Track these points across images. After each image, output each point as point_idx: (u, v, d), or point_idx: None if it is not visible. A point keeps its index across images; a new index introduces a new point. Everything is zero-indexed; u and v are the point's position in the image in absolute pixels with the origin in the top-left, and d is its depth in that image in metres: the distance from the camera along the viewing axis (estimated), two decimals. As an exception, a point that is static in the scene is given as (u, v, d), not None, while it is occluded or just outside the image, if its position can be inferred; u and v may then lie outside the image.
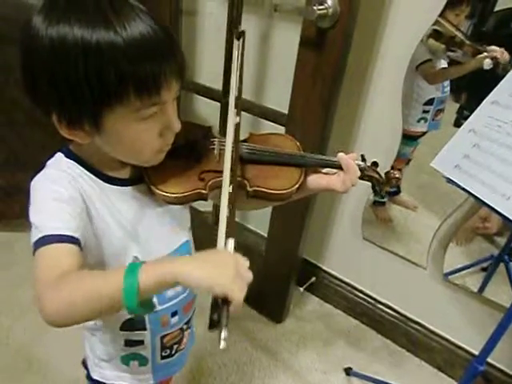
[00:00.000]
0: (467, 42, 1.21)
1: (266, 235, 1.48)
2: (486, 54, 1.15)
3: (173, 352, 0.76)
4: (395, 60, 1.18)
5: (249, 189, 0.64)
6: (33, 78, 0.54)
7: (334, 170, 0.69)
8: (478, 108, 0.96)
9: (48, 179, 0.57)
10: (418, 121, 1.40)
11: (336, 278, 1.62)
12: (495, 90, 0.94)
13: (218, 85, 1.36)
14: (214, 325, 0.43)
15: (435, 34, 1.19)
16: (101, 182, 0.61)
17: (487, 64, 1.13)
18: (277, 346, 1.49)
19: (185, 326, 0.76)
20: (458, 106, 1.41)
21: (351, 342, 1.53)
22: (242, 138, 0.69)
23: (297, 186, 0.66)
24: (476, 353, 1.08)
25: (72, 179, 0.58)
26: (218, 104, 1.39)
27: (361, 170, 0.69)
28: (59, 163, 0.60)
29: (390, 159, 1.27)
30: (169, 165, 0.62)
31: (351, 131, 1.34)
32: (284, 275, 1.48)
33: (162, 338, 0.72)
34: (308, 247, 1.51)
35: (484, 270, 1.42)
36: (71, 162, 0.60)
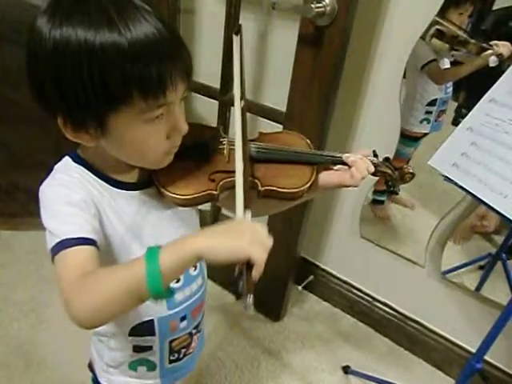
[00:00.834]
0: (471, 40, 1.21)
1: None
2: (491, 51, 1.15)
3: (181, 356, 0.75)
4: (393, 58, 1.18)
5: (260, 188, 0.64)
6: (38, 80, 0.53)
7: (346, 167, 0.69)
8: (476, 106, 0.96)
9: (58, 184, 0.57)
10: (421, 122, 1.40)
11: (334, 276, 1.62)
12: (493, 88, 0.94)
13: (215, 83, 1.36)
14: (240, 293, 0.46)
15: (438, 34, 1.19)
16: (108, 186, 0.60)
17: (493, 61, 1.12)
18: (275, 344, 1.49)
19: (194, 331, 0.75)
20: (456, 104, 1.41)
21: (349, 340, 1.54)
22: (250, 137, 0.69)
23: (309, 184, 0.65)
24: (473, 351, 1.09)
25: (81, 184, 0.57)
26: (216, 102, 1.39)
27: (374, 165, 0.68)
28: (67, 168, 0.59)
29: (389, 158, 1.27)
30: (178, 166, 0.62)
31: (349, 129, 1.34)
32: (282, 273, 1.48)
33: (171, 342, 0.72)
34: (306, 245, 1.51)
35: (481, 268, 1.42)
36: (79, 166, 0.59)
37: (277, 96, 1.26)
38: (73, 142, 0.57)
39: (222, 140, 0.68)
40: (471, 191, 0.91)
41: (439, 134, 1.41)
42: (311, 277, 1.63)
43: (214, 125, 1.43)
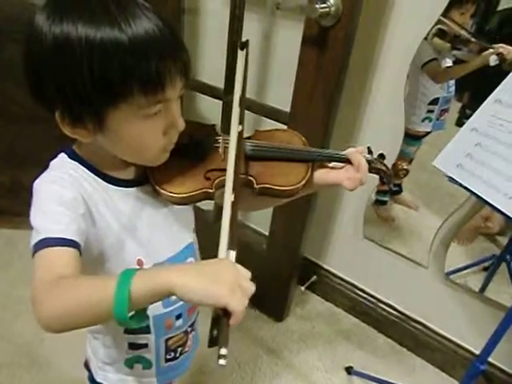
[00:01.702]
0: (473, 39, 1.20)
1: (267, 233, 1.48)
2: (491, 50, 1.14)
3: (177, 355, 0.75)
4: (398, 58, 1.18)
5: (256, 186, 0.64)
6: (36, 76, 0.53)
7: (340, 165, 0.69)
8: (481, 107, 0.96)
9: (50, 181, 0.57)
10: (423, 120, 1.40)
11: (337, 276, 1.62)
12: (498, 88, 0.94)
13: (219, 83, 1.36)
14: (213, 341, 0.41)
15: (440, 33, 1.19)
16: (104, 183, 0.60)
17: (493, 60, 1.12)
18: (278, 344, 1.49)
19: (189, 329, 0.75)
20: (460, 105, 1.41)
21: (352, 340, 1.53)
22: (247, 135, 0.69)
23: (304, 181, 0.65)
24: (477, 352, 1.08)
25: (75, 181, 0.57)
26: (219, 102, 1.39)
27: (368, 162, 0.68)
28: (62, 164, 0.59)
29: (392, 158, 1.27)
30: (174, 164, 0.62)
31: (353, 130, 1.34)
32: (285, 274, 1.48)
33: (167, 340, 0.72)
34: (309, 246, 1.51)
35: (485, 269, 1.41)
36: (74, 163, 0.59)
37: (281, 96, 1.26)
38: (72, 138, 0.57)
39: (217, 138, 0.68)
40: (476, 192, 0.91)
41: (443, 134, 1.40)
42: (314, 277, 1.63)
43: (216, 122, 1.43)
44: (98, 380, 0.76)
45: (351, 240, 1.52)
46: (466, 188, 0.92)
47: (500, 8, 1.22)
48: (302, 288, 1.60)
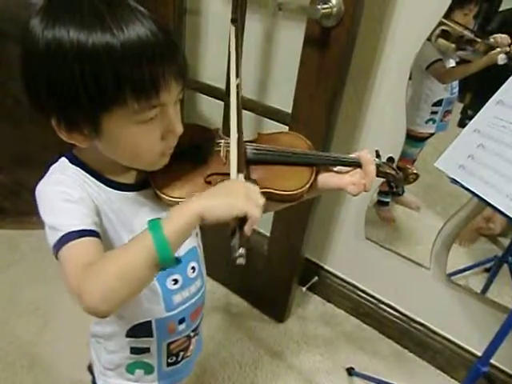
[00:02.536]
0: (477, 39, 1.20)
1: (268, 234, 1.48)
2: (499, 49, 1.14)
3: (179, 359, 0.75)
4: (400, 59, 1.18)
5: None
6: (31, 80, 0.53)
7: (346, 169, 0.68)
8: (483, 108, 0.95)
9: (55, 183, 0.57)
10: (427, 122, 1.39)
11: (338, 277, 1.62)
12: (500, 89, 0.94)
13: (221, 84, 1.36)
14: (233, 249, 0.47)
15: (444, 34, 1.19)
16: (105, 187, 0.60)
17: (501, 59, 1.11)
18: (279, 345, 1.49)
19: (192, 333, 0.75)
20: (462, 106, 1.41)
21: (353, 341, 1.53)
22: (249, 138, 0.68)
23: (307, 186, 0.64)
24: (479, 354, 1.08)
25: (79, 183, 0.57)
26: (222, 103, 1.39)
27: (376, 166, 0.67)
28: (64, 169, 0.59)
29: (395, 159, 1.27)
30: (174, 168, 0.61)
31: (355, 130, 1.34)
32: (286, 274, 1.48)
33: (169, 345, 0.71)
34: (310, 247, 1.51)
35: (487, 270, 1.41)
36: (76, 168, 0.59)
37: (282, 97, 1.26)
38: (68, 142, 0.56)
39: (218, 142, 0.67)
40: (478, 193, 0.91)
41: (445, 135, 1.40)
42: (315, 278, 1.63)
43: (217, 125, 1.43)
44: None
45: (353, 241, 1.52)
46: (467, 189, 0.92)
47: (502, 8, 1.22)
48: (304, 289, 1.60)
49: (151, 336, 0.68)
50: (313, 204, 1.33)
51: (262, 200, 0.52)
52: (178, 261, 0.50)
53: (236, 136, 0.61)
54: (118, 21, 0.50)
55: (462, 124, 1.34)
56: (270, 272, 1.47)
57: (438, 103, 1.37)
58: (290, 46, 1.23)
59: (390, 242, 1.48)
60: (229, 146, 0.63)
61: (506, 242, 1.40)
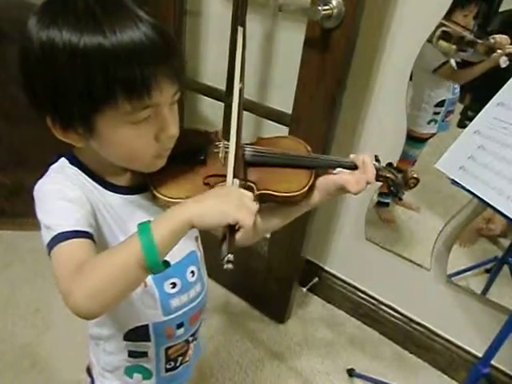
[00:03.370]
0: (478, 40, 1.20)
1: (268, 236, 1.48)
2: (500, 51, 1.14)
3: (177, 364, 0.75)
4: (400, 60, 1.18)
5: (256, 192, 0.63)
6: (27, 80, 0.54)
7: (346, 171, 0.68)
8: (484, 109, 0.95)
9: (52, 182, 0.57)
10: (429, 123, 1.39)
11: (339, 278, 1.62)
12: (501, 91, 0.94)
13: (221, 85, 1.36)
14: (223, 254, 0.48)
15: (444, 36, 1.19)
16: (103, 189, 0.60)
17: (503, 61, 1.11)
18: (279, 346, 1.49)
19: (190, 338, 0.74)
20: (462, 106, 1.41)
21: (354, 343, 1.53)
22: (249, 142, 0.69)
23: (306, 188, 0.64)
24: (479, 355, 1.08)
25: (77, 183, 0.57)
26: (222, 104, 1.39)
27: (376, 170, 0.67)
28: (63, 169, 0.59)
29: (394, 161, 1.27)
30: (172, 170, 0.61)
31: (355, 132, 1.34)
32: (287, 276, 1.47)
33: (167, 349, 0.71)
34: (311, 248, 1.51)
35: (488, 271, 1.41)
36: (74, 168, 0.59)
37: (283, 98, 1.26)
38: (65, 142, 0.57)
39: (217, 144, 0.67)
40: (478, 194, 0.91)
41: (445, 136, 1.40)
42: (316, 279, 1.63)
43: (216, 126, 1.43)
44: None
45: (353, 242, 1.52)
46: (468, 190, 0.92)
47: (502, 9, 1.22)
48: (304, 290, 1.60)
49: (148, 340, 0.68)
50: (313, 205, 1.33)
51: (255, 207, 0.52)
52: (166, 264, 0.50)
53: (235, 140, 0.61)
54: (112, 23, 0.50)
55: (461, 125, 1.34)
56: (271, 273, 1.47)
57: (441, 104, 1.37)
58: (290, 47, 1.23)
59: (391, 243, 1.48)
60: (227, 148, 0.63)
61: (506, 242, 1.39)
